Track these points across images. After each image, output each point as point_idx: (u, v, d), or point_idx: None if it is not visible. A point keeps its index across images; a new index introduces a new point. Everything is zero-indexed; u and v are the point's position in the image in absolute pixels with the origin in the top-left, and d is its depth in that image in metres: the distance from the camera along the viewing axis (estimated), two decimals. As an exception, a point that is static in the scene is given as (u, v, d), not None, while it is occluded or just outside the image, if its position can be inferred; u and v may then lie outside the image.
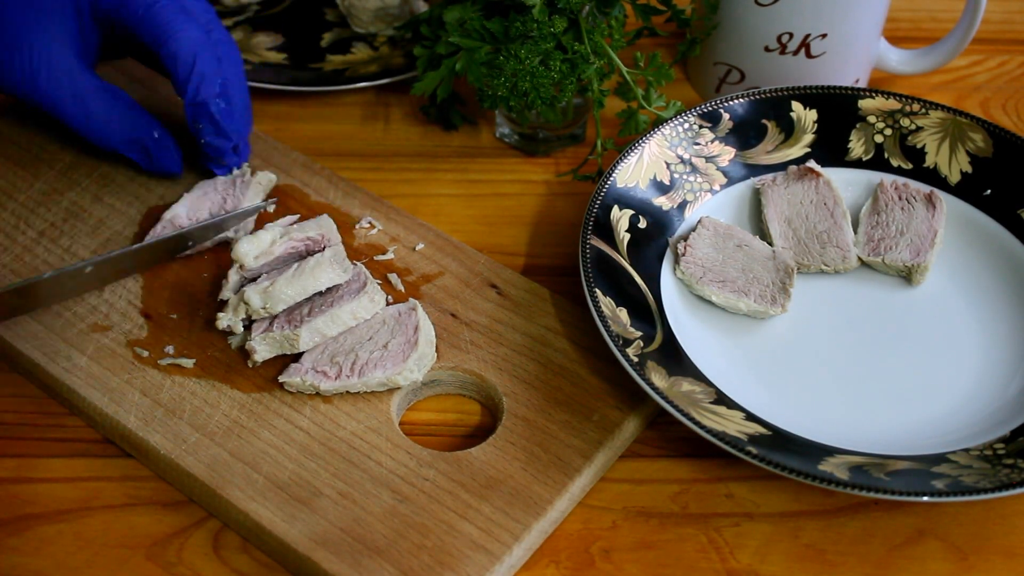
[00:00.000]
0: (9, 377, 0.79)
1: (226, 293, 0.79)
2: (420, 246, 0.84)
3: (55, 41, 0.79)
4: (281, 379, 0.76)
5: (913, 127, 0.89)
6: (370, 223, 0.86)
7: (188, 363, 0.77)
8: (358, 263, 0.80)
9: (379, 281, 0.82)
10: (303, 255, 0.80)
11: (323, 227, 0.81)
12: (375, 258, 0.84)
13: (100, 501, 0.74)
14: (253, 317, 0.77)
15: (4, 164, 0.88)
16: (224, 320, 0.77)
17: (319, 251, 0.80)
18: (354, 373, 0.75)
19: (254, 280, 0.78)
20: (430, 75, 0.88)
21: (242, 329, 0.78)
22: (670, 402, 0.73)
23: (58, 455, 0.76)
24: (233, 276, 0.79)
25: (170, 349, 0.78)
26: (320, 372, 0.75)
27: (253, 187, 0.85)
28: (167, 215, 0.83)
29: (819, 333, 0.81)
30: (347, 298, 0.77)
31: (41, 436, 0.77)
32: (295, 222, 0.82)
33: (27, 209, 0.86)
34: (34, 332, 0.78)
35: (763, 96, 0.89)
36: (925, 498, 0.69)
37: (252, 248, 0.78)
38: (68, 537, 0.72)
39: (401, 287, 0.82)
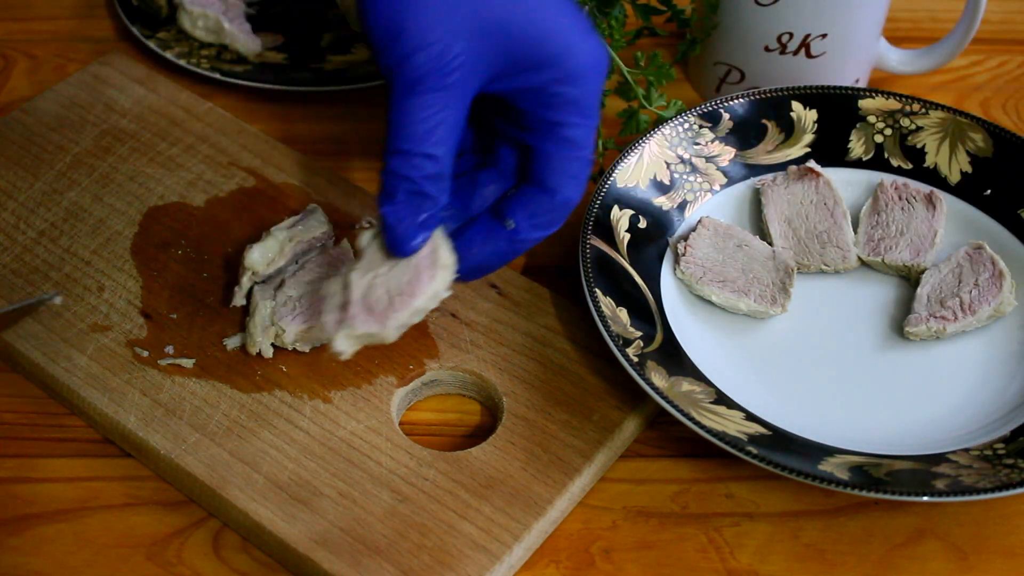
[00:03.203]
0: (9, 377, 0.79)
1: (239, 300, 0.79)
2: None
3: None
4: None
5: (913, 127, 0.89)
6: (370, 223, 0.86)
7: (188, 363, 0.77)
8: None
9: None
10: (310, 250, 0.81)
11: (323, 222, 0.82)
12: (375, 258, 0.84)
13: (100, 501, 0.74)
14: (282, 343, 0.77)
15: (4, 164, 0.88)
16: (256, 346, 0.77)
17: (324, 247, 0.81)
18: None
19: (264, 282, 0.79)
20: None
21: (272, 352, 0.78)
22: (670, 402, 0.73)
23: (58, 455, 0.76)
24: (245, 283, 0.79)
25: (170, 349, 0.78)
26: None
27: (317, 217, 0.83)
28: (246, 263, 0.79)
29: (819, 333, 0.81)
30: (424, 278, 0.72)
31: (41, 436, 0.77)
32: (296, 222, 0.82)
33: (27, 209, 0.86)
34: (34, 332, 0.79)
35: (763, 96, 0.89)
36: (925, 498, 0.69)
37: (264, 256, 0.79)
38: (68, 537, 0.72)
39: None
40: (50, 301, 0.77)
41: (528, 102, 0.71)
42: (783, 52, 0.93)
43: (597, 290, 0.78)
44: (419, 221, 0.70)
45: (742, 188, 0.88)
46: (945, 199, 0.86)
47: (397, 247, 0.70)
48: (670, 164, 0.87)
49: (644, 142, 0.87)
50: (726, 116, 0.89)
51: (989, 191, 0.87)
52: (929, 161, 0.88)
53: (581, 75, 0.70)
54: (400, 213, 0.69)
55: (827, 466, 0.71)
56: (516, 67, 0.69)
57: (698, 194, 0.87)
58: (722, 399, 0.75)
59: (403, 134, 0.68)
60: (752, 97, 0.89)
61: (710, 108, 0.89)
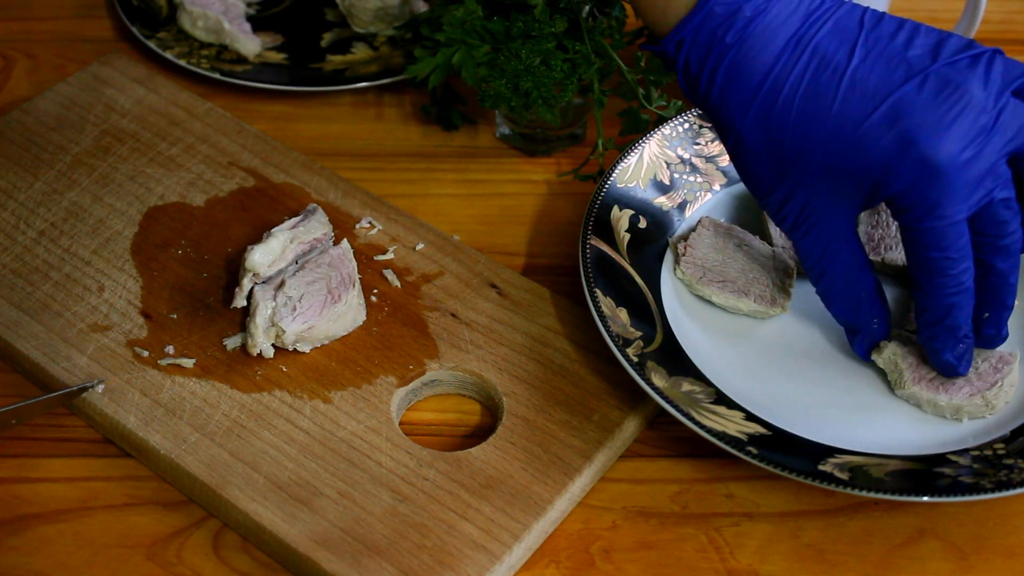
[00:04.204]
0: (9, 377, 0.79)
1: (239, 301, 0.79)
2: (420, 246, 0.84)
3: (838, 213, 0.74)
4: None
5: (913, 127, 0.89)
6: (370, 223, 0.86)
7: (188, 363, 0.77)
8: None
9: (375, 291, 0.82)
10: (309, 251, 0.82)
11: (324, 222, 0.83)
12: (375, 258, 0.84)
13: (100, 501, 0.74)
14: (282, 344, 0.78)
15: (4, 164, 0.88)
16: (256, 347, 0.77)
17: (324, 247, 0.81)
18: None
19: (264, 282, 0.79)
20: (426, 60, 0.88)
21: (272, 353, 0.78)
22: (670, 402, 0.73)
23: (58, 455, 0.76)
24: (246, 284, 0.79)
25: (170, 349, 0.78)
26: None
27: (318, 218, 0.84)
28: (248, 265, 0.79)
29: (819, 333, 0.81)
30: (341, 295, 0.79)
31: (41, 436, 0.77)
32: (297, 223, 0.82)
33: (27, 209, 0.86)
34: (34, 332, 0.78)
35: (763, 96, 0.89)
36: (925, 498, 0.69)
37: (266, 257, 0.79)
38: (68, 537, 0.72)
39: (397, 283, 0.82)
40: (92, 388, 0.77)
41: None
42: (783, 52, 0.92)
43: (597, 290, 0.78)
44: (860, 342, 0.78)
45: (742, 188, 0.88)
46: (945, 199, 0.86)
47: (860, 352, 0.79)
48: (670, 164, 0.87)
49: (644, 142, 0.87)
50: (726, 116, 0.89)
51: (989, 191, 0.86)
52: (929, 161, 0.88)
53: (904, 191, 0.70)
54: (848, 335, 0.79)
55: (827, 466, 0.71)
56: (863, 197, 0.72)
57: (698, 194, 0.87)
58: (722, 399, 0.75)
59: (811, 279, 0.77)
60: (752, 97, 0.89)
61: (710, 108, 0.88)
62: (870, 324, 0.77)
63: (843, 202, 0.72)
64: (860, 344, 0.78)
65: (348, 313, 0.79)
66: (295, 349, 0.78)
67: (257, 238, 0.81)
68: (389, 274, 0.83)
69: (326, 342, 0.79)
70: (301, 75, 0.97)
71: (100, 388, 0.76)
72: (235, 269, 0.82)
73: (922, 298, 0.73)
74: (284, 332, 0.77)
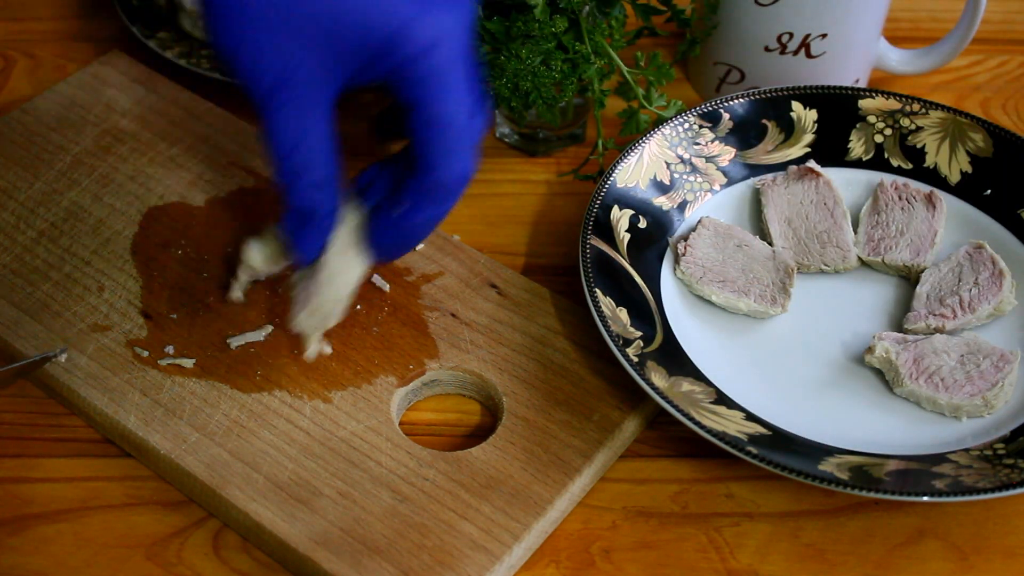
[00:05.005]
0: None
1: (235, 293, 0.79)
2: (420, 246, 0.84)
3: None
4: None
5: (913, 127, 0.89)
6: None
7: (188, 363, 0.77)
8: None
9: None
10: None
11: None
12: (375, 258, 0.84)
13: (100, 501, 0.74)
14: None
15: (4, 164, 0.88)
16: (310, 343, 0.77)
17: None
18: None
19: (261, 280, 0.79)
20: None
21: (324, 350, 0.78)
22: (670, 402, 0.73)
23: (58, 455, 0.76)
24: (243, 276, 0.79)
25: (170, 349, 0.78)
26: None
27: None
28: (247, 260, 0.78)
29: (819, 333, 0.81)
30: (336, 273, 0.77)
31: (41, 436, 0.77)
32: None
33: (27, 209, 0.86)
34: (34, 332, 0.78)
35: (763, 96, 0.89)
36: (925, 498, 0.69)
37: (262, 253, 0.78)
38: (68, 537, 0.72)
39: (386, 287, 0.82)
40: (55, 358, 0.77)
41: (392, 88, 0.69)
42: (783, 52, 0.93)
43: (597, 290, 0.78)
44: (311, 233, 0.72)
45: (742, 188, 0.88)
46: (945, 199, 0.86)
47: (299, 261, 0.73)
48: (670, 164, 0.87)
49: (644, 142, 0.87)
50: (726, 116, 0.89)
51: (989, 191, 0.87)
52: (929, 161, 0.88)
53: (422, 52, 0.66)
54: (292, 227, 0.72)
55: (827, 466, 0.71)
56: (361, 60, 0.67)
57: (698, 194, 0.87)
58: (722, 399, 0.75)
59: (273, 155, 0.69)
60: (752, 97, 0.89)
61: (710, 108, 0.89)
62: (326, 212, 0.71)
63: (333, 69, 0.67)
64: (309, 238, 0.72)
65: (340, 272, 0.77)
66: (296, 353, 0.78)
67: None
68: (377, 279, 0.82)
69: (337, 312, 0.77)
70: (301, 75, 0.97)
71: (63, 357, 0.76)
72: (235, 269, 0.82)
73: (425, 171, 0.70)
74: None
